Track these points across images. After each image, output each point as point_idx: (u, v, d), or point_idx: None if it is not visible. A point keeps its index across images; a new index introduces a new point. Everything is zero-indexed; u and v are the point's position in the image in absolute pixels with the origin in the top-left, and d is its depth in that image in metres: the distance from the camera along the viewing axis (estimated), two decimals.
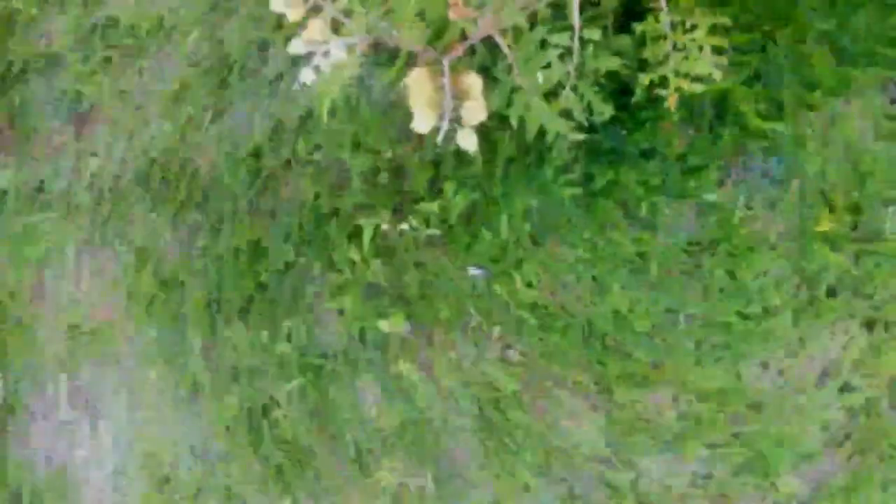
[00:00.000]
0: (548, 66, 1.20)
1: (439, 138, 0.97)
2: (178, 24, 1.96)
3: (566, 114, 1.26)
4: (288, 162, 1.92)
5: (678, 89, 1.58)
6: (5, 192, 1.99)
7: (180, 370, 1.99)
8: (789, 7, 1.73)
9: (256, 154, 1.92)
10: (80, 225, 1.96)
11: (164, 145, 1.94)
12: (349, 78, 1.01)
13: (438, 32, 1.59)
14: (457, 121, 0.97)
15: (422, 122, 0.96)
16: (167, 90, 1.94)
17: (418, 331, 1.93)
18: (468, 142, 0.96)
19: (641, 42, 1.57)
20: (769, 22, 1.74)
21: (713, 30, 1.62)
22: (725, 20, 1.62)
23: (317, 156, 1.90)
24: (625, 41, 1.60)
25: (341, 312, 1.93)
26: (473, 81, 0.97)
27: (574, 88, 1.30)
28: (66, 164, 1.96)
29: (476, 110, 0.96)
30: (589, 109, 1.84)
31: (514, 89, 1.19)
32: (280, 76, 1.94)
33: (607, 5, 1.57)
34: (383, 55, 1.79)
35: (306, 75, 0.95)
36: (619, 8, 1.64)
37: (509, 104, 1.20)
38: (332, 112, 1.88)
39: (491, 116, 1.82)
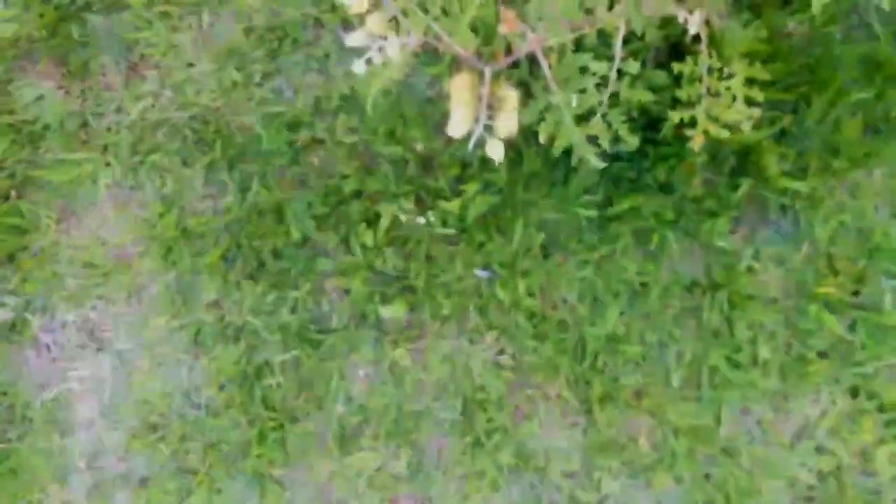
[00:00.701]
0: (583, 90, 1.25)
1: (471, 144, 1.02)
2: None
3: (593, 139, 1.32)
4: (322, 139, 1.98)
5: (705, 132, 1.63)
6: (48, 126, 2.06)
7: (187, 321, 2.05)
8: (829, 73, 1.78)
9: (295, 125, 1.98)
10: (115, 163, 2.03)
11: (207, 102, 2.01)
12: (398, 74, 1.07)
13: (486, 41, 1.65)
14: (489, 129, 1.03)
15: (456, 127, 1.02)
16: (219, 50, 2.01)
17: (417, 321, 1.99)
18: (496, 152, 1.02)
19: (677, 81, 1.62)
20: (806, 84, 1.78)
21: (750, 82, 1.67)
22: (764, 75, 1.66)
23: (351, 137, 1.96)
24: (661, 77, 1.65)
25: (347, 292, 1.99)
26: (510, 95, 1.03)
27: (604, 116, 1.35)
28: (112, 105, 2.03)
29: (509, 123, 1.02)
30: (616, 138, 1.90)
31: (548, 107, 1.25)
32: (328, 55, 2.00)
33: (651, 40, 1.62)
34: (430, 54, 1.85)
35: (359, 66, 1.01)
36: (661, 44, 1.69)
37: (541, 120, 1.25)
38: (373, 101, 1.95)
39: (524, 129, 1.88)
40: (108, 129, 2.05)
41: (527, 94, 1.26)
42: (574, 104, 1.25)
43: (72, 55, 2.03)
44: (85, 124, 2.05)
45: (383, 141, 1.93)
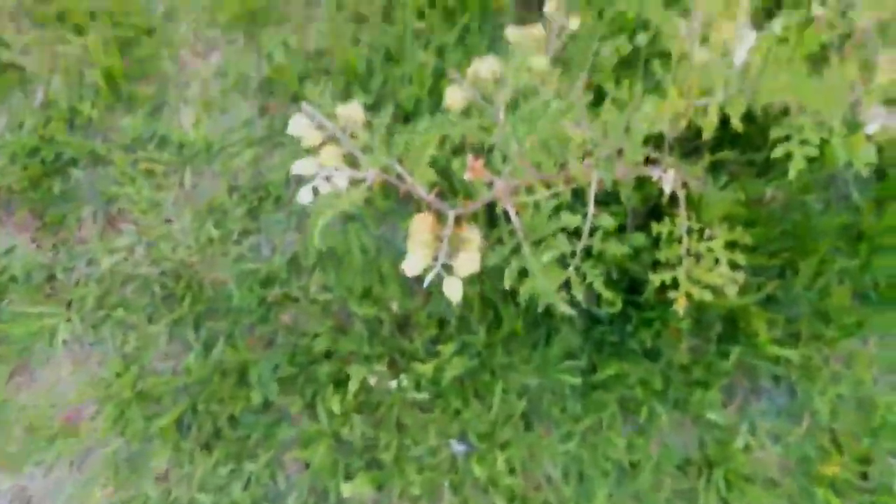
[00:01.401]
0: (553, 241, 1.20)
1: (426, 281, 0.96)
2: (227, 147, 2.06)
3: (566, 292, 1.25)
4: (296, 297, 1.92)
5: (688, 295, 1.57)
6: (14, 278, 2.00)
7: (132, 494, 1.86)
8: (812, 240, 1.75)
9: (268, 282, 1.93)
10: (77, 319, 1.94)
11: (182, 258, 1.97)
12: (349, 206, 1.02)
13: (448, 183, 1.64)
14: (447, 269, 0.96)
15: (413, 264, 0.96)
16: (200, 207, 2.01)
17: (384, 501, 1.80)
18: (453, 290, 0.95)
19: (657, 242, 1.58)
20: (790, 250, 1.75)
21: (732, 246, 1.63)
22: (746, 239, 1.63)
23: (325, 296, 1.89)
24: (640, 238, 1.62)
25: (307, 466, 1.83)
26: (473, 236, 0.97)
27: (578, 269, 1.30)
28: (83, 259, 1.99)
29: (469, 262, 0.96)
30: (596, 297, 1.83)
31: (515, 251, 1.20)
32: (308, 214, 1.99)
33: (626, 199, 1.62)
34: (405, 204, 1.85)
35: (305, 195, 0.96)
36: (639, 205, 1.68)
37: (507, 263, 1.19)
38: (349, 259, 1.91)
39: (503, 290, 1.81)
40: (76, 283, 1.98)
41: (495, 238, 1.22)
42: (545, 259, 1.20)
43: (50, 208, 2.02)
44: (52, 277, 1.99)
45: (358, 300, 1.86)
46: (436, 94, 2.04)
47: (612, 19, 1.72)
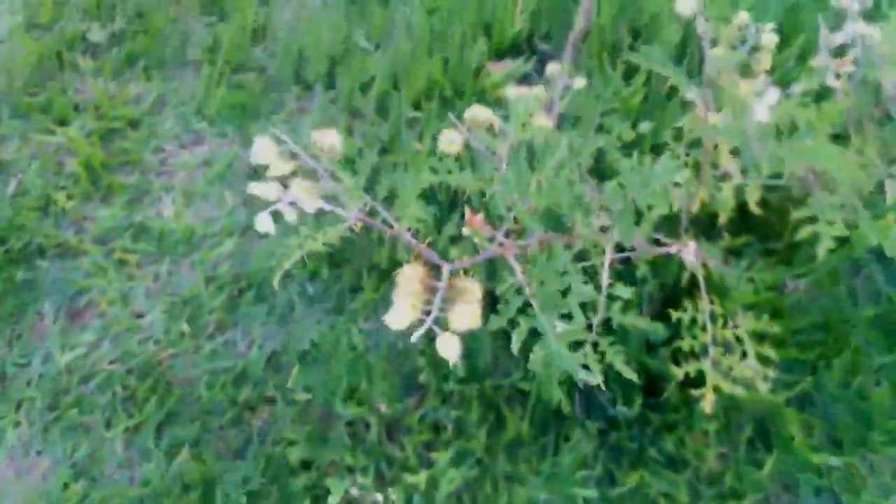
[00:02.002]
0: (566, 308, 1.05)
1: (414, 336, 0.79)
2: (207, 237, 1.93)
3: (581, 363, 1.08)
4: (272, 397, 1.72)
5: (716, 389, 1.39)
6: None
7: None
8: (844, 334, 1.60)
9: (242, 380, 1.73)
10: (25, 422, 1.72)
11: (149, 355, 1.78)
12: (322, 246, 0.88)
13: (439, 231, 1.48)
14: (440, 323, 0.80)
15: (399, 317, 0.80)
16: (173, 300, 1.84)
17: None
18: (449, 348, 0.78)
19: (675, 336, 1.43)
20: (821, 344, 1.59)
21: (759, 337, 1.48)
22: (773, 329, 1.48)
23: (304, 396, 1.70)
24: (659, 328, 1.46)
25: None
26: (473, 287, 0.82)
27: (595, 346, 1.13)
28: (39, 355, 1.80)
29: (468, 315, 0.80)
30: (613, 401, 1.64)
31: (521, 311, 1.04)
32: (292, 307, 1.83)
33: (642, 287, 1.47)
34: None
35: (263, 222, 0.82)
36: (655, 292, 1.53)
37: (514, 324, 1.03)
38: (335, 355, 1.73)
39: (508, 389, 1.62)
40: (28, 383, 1.78)
41: (490, 279, 1.07)
42: (558, 329, 1.04)
43: (9, 299, 1.85)
44: (2, 376, 1.79)
45: (342, 401, 1.66)
46: (430, 186, 1.94)
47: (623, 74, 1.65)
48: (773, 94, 1.12)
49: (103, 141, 2.11)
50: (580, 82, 1.16)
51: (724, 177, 1.51)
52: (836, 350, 1.57)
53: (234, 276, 1.88)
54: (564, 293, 1.09)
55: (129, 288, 1.88)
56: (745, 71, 1.19)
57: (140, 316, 1.85)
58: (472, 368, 1.68)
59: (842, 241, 1.45)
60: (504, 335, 1.71)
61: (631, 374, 1.07)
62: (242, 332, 1.82)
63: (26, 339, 1.81)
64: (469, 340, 1.71)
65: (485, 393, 1.64)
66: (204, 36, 2.34)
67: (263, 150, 0.84)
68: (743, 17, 1.11)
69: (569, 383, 1.61)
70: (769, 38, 1.12)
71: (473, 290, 0.84)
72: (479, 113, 1.00)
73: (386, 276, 1.80)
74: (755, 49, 1.13)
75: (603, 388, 1.16)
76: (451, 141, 1.00)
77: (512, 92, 1.10)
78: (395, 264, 1.81)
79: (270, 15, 2.40)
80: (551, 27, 2.19)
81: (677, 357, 1.45)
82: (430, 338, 1.77)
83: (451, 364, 0.80)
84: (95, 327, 1.83)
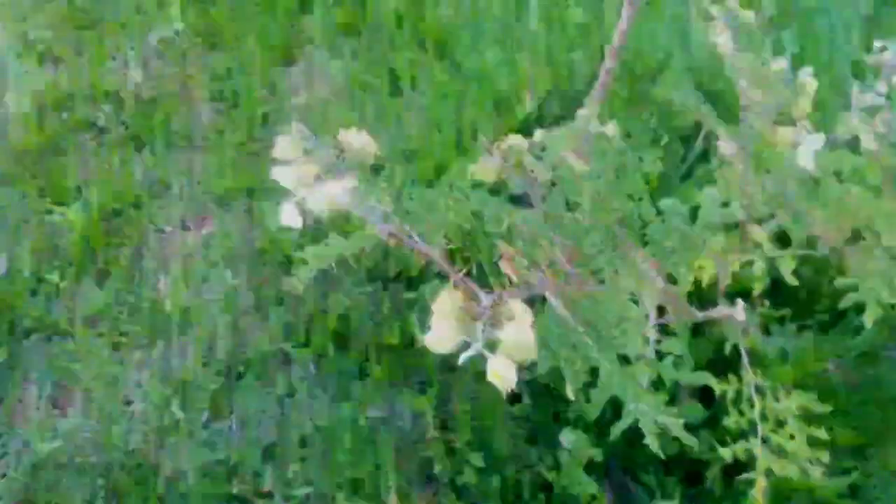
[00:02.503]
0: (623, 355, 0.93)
1: (462, 359, 0.68)
2: (205, 318, 1.82)
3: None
4: (269, 492, 1.55)
5: (768, 472, 1.25)
6: None
7: None
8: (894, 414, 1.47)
9: (236, 473, 1.57)
10: None
11: (136, 444, 1.63)
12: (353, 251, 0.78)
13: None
14: (490, 347, 0.69)
15: (439, 338, 0.68)
16: (164, 384, 1.71)
17: None
18: (504, 371, 0.66)
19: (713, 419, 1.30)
20: (870, 427, 1.46)
21: (807, 418, 1.34)
22: (822, 408, 1.35)
23: (304, 490, 1.53)
24: (696, 410, 1.33)
25: None
26: (522, 311, 0.71)
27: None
28: (14, 445, 1.64)
29: (521, 335, 0.68)
30: (649, 494, 1.49)
31: (575, 349, 0.91)
32: (292, 394, 1.69)
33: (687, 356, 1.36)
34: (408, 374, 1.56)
35: (288, 214, 0.72)
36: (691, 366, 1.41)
37: (570, 364, 0.90)
38: (339, 443, 1.58)
39: (529, 479, 1.46)
40: (3, 475, 1.62)
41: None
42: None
43: None
44: None
45: (347, 495, 1.50)
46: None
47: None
48: (817, 140, 1.06)
49: (103, 220, 2.04)
50: (611, 129, 1.10)
51: (755, 244, 1.43)
52: (886, 433, 1.44)
53: (233, 361, 1.75)
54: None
55: (119, 372, 1.74)
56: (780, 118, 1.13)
57: (128, 402, 1.71)
58: (490, 458, 1.53)
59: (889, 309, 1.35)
60: (526, 420, 1.57)
61: (691, 441, 0.94)
62: (238, 419, 1.67)
63: (4, 424, 1.66)
64: (486, 425, 1.57)
65: (505, 485, 1.48)
66: (213, 120, 2.33)
67: (287, 146, 0.75)
68: (781, 61, 1.06)
69: (598, 472, 1.46)
70: (809, 82, 1.07)
71: (523, 313, 0.73)
72: (516, 142, 0.92)
73: (397, 356, 1.68)
74: (794, 93, 1.07)
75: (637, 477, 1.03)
76: (487, 166, 0.92)
77: (540, 135, 1.03)
78: (409, 341, 1.70)
79: (280, 102, 2.40)
80: (562, 108, 2.17)
81: (717, 431, 1.32)
82: (443, 425, 1.64)
83: (505, 393, 0.67)
84: (79, 414, 1.69)
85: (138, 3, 2.74)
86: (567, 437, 1.43)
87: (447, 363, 1.67)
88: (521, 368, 0.70)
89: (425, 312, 1.77)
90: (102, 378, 1.73)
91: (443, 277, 1.83)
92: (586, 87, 2.22)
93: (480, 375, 1.55)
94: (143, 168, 2.21)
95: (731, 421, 1.26)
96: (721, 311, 1.18)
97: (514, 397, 1.58)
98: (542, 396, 1.58)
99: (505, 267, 0.88)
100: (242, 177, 2.14)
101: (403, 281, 1.84)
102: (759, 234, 1.41)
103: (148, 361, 1.76)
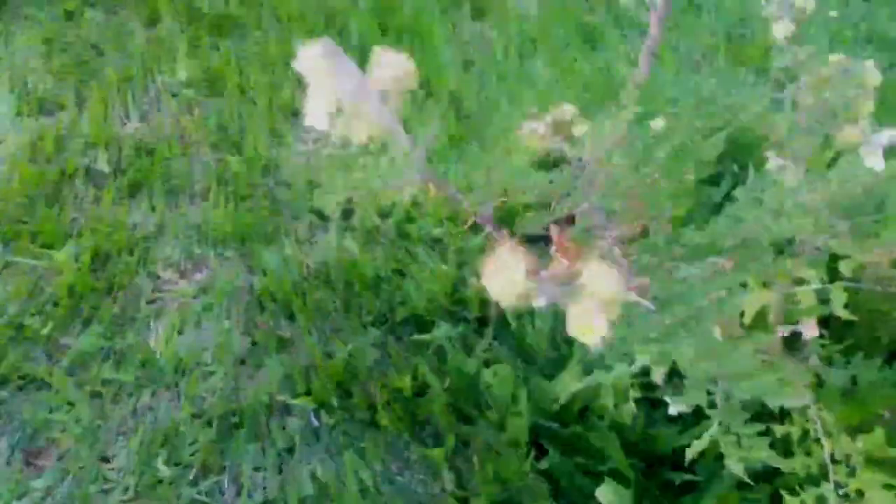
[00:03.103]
0: None
1: (539, 303, 0.54)
2: (199, 366, 1.66)
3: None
4: None
5: None
6: None
7: None
8: None
9: None
10: None
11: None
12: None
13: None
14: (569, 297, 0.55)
15: (504, 289, 0.55)
16: (151, 437, 1.54)
17: None
18: (590, 322, 0.52)
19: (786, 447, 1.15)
20: None
21: (875, 461, 1.19)
22: (888, 454, 1.20)
23: None
24: (759, 443, 1.17)
25: None
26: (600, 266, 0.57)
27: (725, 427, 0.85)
28: None
29: (609, 277, 0.54)
30: None
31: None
32: (290, 450, 1.52)
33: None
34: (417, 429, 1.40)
35: (315, 113, 0.60)
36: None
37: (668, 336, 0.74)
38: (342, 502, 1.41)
39: None
40: None
41: None
42: None
43: None
44: None
45: None
46: (457, 301, 1.72)
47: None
48: (887, 136, 0.95)
49: (93, 265, 1.91)
50: (659, 123, 0.99)
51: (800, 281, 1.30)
52: None
53: (226, 411, 1.59)
54: None
55: (99, 424, 1.58)
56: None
57: (106, 459, 1.53)
58: None
59: None
60: (551, 476, 1.40)
61: (780, 461, 0.78)
62: (231, 476, 1.49)
63: None
64: (507, 482, 1.40)
65: None
66: (213, 167, 2.24)
67: (311, 60, 0.63)
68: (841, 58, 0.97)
69: None
70: (872, 75, 0.97)
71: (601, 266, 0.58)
72: (563, 112, 0.81)
73: (408, 405, 1.52)
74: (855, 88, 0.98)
75: None
76: (533, 132, 0.80)
77: (582, 128, 0.92)
78: (421, 389, 1.54)
79: (283, 151, 2.32)
80: None
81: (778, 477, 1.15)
82: (459, 482, 1.46)
83: (593, 346, 0.53)
84: (54, 470, 1.51)
85: (143, 51, 2.70)
86: (605, 493, 1.26)
87: (463, 412, 1.51)
88: None
89: (439, 355, 1.64)
90: (80, 431, 1.56)
91: (455, 318, 1.70)
92: None
93: (500, 425, 1.39)
94: (140, 213, 2.10)
95: (797, 465, 1.10)
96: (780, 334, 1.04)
97: (539, 449, 1.42)
98: (571, 448, 1.42)
99: (559, 254, 0.75)
100: (241, 221, 2.03)
101: (412, 324, 1.70)
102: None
103: (132, 412, 1.60)
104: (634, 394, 1.30)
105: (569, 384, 1.33)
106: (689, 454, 0.97)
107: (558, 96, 2.26)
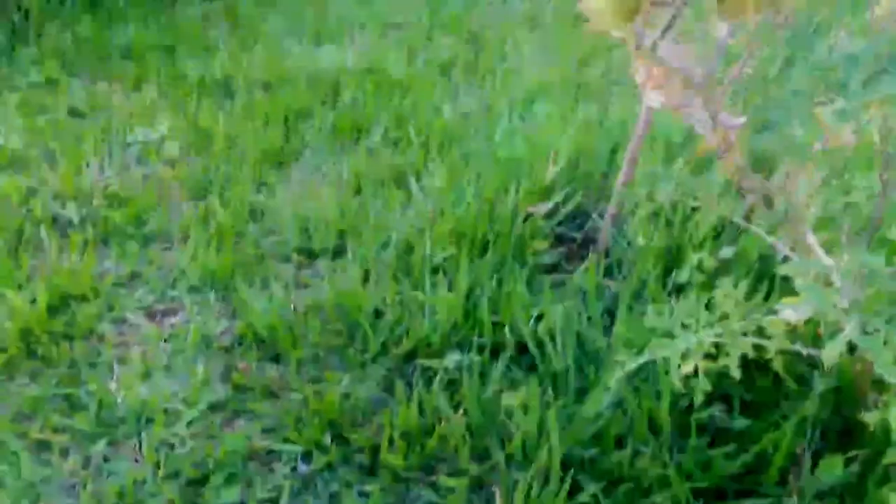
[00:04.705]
0: None
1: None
2: (167, 414, 1.42)
3: None
4: None
5: None
6: None
7: None
8: None
9: None
10: None
11: None
12: None
13: None
14: None
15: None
16: (101, 494, 1.27)
17: None
18: None
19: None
20: None
21: None
22: None
23: None
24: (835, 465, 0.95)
25: None
26: None
27: None
28: None
29: None
30: None
31: None
32: (277, 497, 1.26)
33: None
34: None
35: None
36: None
37: None
38: None
39: None
40: None
41: None
42: None
43: None
44: None
45: None
46: (468, 329, 1.51)
47: None
48: None
49: (52, 310, 1.69)
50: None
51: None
52: None
53: (196, 462, 1.33)
54: None
55: (42, 479, 1.31)
56: None
57: None
58: None
59: None
60: None
61: None
62: None
63: None
64: None
65: None
66: (193, 215, 2.06)
67: None
68: None
69: None
70: None
71: None
72: None
73: (417, 442, 1.28)
74: None
75: None
76: None
77: None
78: (431, 425, 1.31)
79: (268, 197, 2.16)
80: (587, 179, 1.95)
81: None
82: None
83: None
84: None
85: (124, 110, 2.60)
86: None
87: (481, 445, 1.27)
88: None
89: (450, 386, 1.41)
90: (18, 491, 1.29)
91: (466, 347, 1.48)
92: (609, 161, 2.02)
93: (526, 457, 1.15)
94: (110, 261, 1.90)
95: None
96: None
97: (573, 483, 1.17)
98: (612, 479, 1.18)
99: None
100: (223, 264, 1.83)
101: (418, 356, 1.48)
102: None
103: (84, 464, 1.34)
104: (703, 386, 1.07)
105: (606, 393, 1.11)
106: (827, 359, 0.74)
107: None
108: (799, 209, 0.81)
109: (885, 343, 0.63)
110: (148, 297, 1.77)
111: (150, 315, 1.73)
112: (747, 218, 0.95)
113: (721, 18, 0.47)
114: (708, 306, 1.18)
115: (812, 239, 0.82)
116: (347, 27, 3.50)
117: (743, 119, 0.67)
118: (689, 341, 0.96)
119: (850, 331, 0.66)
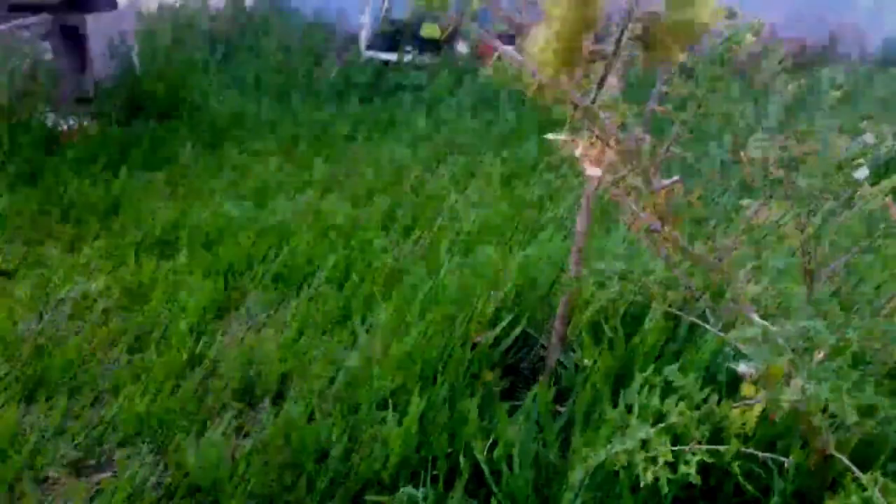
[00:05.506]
0: None
1: None
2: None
3: None
4: None
5: None
6: None
7: None
8: None
9: None
10: None
11: None
12: None
13: None
14: None
15: None
16: None
17: None
18: None
19: None
20: None
21: None
22: None
23: None
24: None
25: None
26: None
27: None
28: None
29: None
30: None
31: None
32: None
33: None
34: None
35: None
36: None
37: None
38: None
39: None
40: None
41: None
42: None
43: None
44: None
45: None
46: (421, 461, 1.44)
47: None
48: None
49: None
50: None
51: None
52: None
53: None
54: None
55: None
56: None
57: None
58: None
59: None
60: None
61: None
62: None
63: None
64: None
65: None
66: (127, 365, 1.97)
67: None
68: None
69: None
70: None
71: None
72: None
73: None
74: None
75: None
76: None
77: None
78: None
79: (207, 346, 2.09)
80: (533, 308, 1.97)
81: None
82: None
83: None
84: None
85: (59, 269, 2.54)
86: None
87: None
88: None
89: None
90: None
91: (420, 479, 1.40)
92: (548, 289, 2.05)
93: None
94: (34, 414, 1.77)
95: None
96: None
97: None
98: None
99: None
100: (157, 414, 1.73)
101: (370, 491, 1.39)
102: None
103: None
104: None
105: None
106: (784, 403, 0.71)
107: None
108: (737, 290, 0.83)
109: (832, 390, 0.63)
110: (73, 452, 1.64)
111: (76, 470, 1.60)
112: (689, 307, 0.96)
113: (651, 63, 0.51)
114: (662, 417, 1.16)
115: (753, 313, 0.84)
116: (291, 186, 3.57)
117: (676, 178, 0.70)
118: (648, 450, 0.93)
119: (800, 378, 0.66)
